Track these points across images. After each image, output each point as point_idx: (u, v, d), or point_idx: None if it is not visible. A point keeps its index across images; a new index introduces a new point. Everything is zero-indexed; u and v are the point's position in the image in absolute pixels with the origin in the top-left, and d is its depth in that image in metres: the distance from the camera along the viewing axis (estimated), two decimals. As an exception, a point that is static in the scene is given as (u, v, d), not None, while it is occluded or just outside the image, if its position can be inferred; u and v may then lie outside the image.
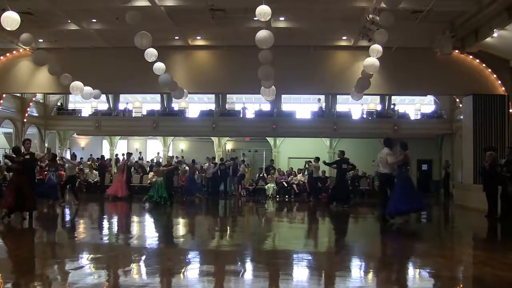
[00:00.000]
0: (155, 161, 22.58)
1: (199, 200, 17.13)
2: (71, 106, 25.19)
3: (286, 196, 19.07)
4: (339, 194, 14.97)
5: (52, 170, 14.10)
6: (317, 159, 17.50)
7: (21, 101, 20.87)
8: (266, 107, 23.68)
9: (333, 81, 17.48)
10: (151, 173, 18.93)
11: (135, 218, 12.58)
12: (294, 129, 21.89)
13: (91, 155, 24.05)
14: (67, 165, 15.27)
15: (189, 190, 17.80)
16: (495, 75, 16.75)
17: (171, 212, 13.55)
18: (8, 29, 11.58)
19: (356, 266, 6.54)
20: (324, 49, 17.58)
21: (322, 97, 23.71)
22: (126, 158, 18.49)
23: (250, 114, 22.96)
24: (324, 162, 16.08)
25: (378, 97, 23.44)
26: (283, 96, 23.04)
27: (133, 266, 6.30)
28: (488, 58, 16.49)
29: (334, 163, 15.46)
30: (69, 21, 15.31)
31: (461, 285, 5.56)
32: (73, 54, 17.54)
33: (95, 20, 15.51)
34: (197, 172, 19.32)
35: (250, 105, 24.17)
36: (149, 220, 12.24)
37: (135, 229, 10.72)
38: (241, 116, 22.72)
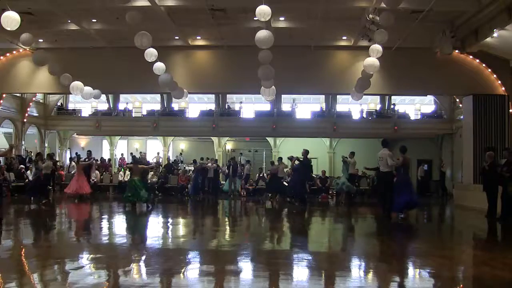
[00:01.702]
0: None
1: (199, 200, 17.18)
2: (71, 106, 25.23)
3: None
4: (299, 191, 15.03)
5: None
6: (280, 159, 17.60)
7: (21, 101, 20.90)
8: (257, 107, 23.56)
9: (333, 81, 17.51)
10: (151, 173, 18.87)
11: (129, 219, 12.55)
12: (294, 129, 21.92)
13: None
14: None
15: (194, 190, 18.02)
16: (495, 75, 16.77)
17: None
18: (8, 29, 11.58)
19: (356, 266, 6.54)
20: (324, 49, 17.60)
21: (320, 97, 23.70)
22: (87, 157, 17.98)
23: (241, 114, 23.03)
24: (298, 160, 15.92)
25: (378, 97, 23.47)
26: (283, 96, 23.07)
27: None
28: (488, 58, 16.51)
29: (309, 162, 15.47)
30: (69, 21, 15.34)
31: (461, 285, 5.56)
32: (73, 54, 17.57)
33: (95, 20, 15.53)
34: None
35: (239, 105, 24.13)
36: (147, 221, 12.23)
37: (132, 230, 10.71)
38: (238, 115, 22.79)
